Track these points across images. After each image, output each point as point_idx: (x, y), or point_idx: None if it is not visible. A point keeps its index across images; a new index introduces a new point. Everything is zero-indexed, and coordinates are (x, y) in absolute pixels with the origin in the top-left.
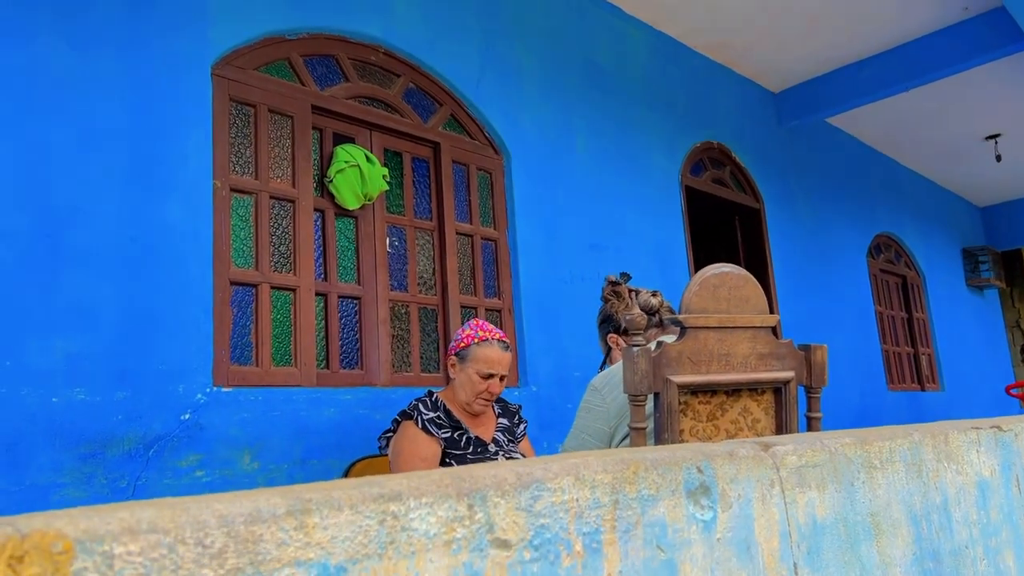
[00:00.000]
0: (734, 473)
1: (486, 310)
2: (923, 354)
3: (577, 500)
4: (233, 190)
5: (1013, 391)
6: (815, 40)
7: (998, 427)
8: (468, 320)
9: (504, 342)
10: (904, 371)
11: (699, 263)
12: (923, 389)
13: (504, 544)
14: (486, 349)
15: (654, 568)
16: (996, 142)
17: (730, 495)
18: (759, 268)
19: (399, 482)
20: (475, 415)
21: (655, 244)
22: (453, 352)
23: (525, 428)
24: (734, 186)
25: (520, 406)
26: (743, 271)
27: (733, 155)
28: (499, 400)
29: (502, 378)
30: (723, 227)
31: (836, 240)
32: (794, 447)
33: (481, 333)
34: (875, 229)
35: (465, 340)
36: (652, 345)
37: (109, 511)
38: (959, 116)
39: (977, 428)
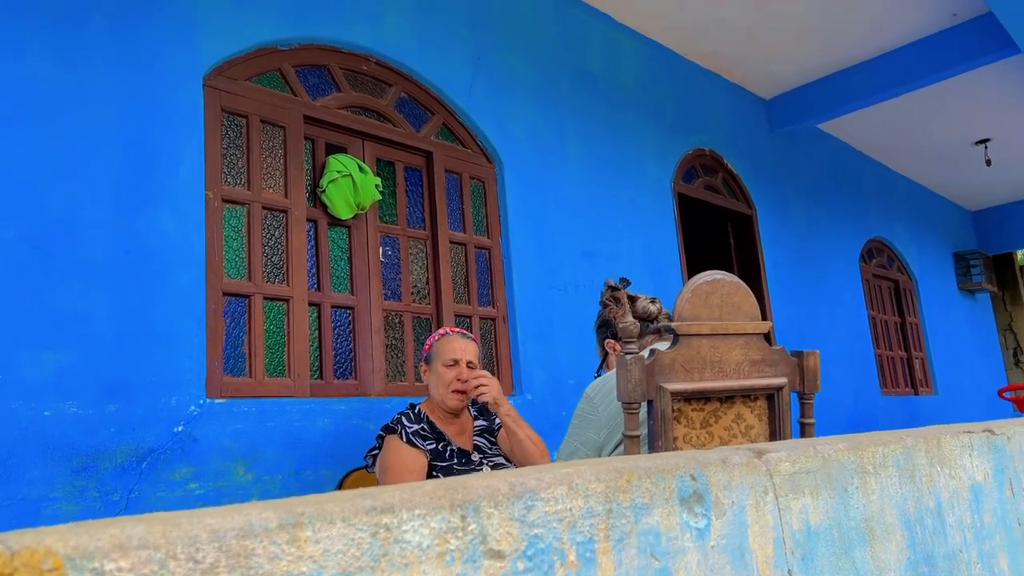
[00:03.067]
0: (727, 480)
1: (480, 318)
2: (916, 358)
3: (570, 510)
4: (225, 201)
5: (1006, 394)
6: (806, 47)
7: (991, 431)
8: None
9: (463, 333)
10: (897, 375)
11: (692, 270)
12: (916, 393)
13: (498, 555)
14: (445, 341)
15: None
16: (986, 147)
17: (724, 502)
18: (752, 274)
19: (392, 494)
20: (454, 413)
21: (648, 251)
22: (423, 360)
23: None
24: (726, 193)
25: None
26: (735, 278)
27: (725, 162)
28: (472, 402)
29: (470, 364)
30: (716, 234)
31: (829, 245)
32: (787, 453)
33: (440, 331)
34: (867, 234)
35: (428, 344)
36: (645, 353)
37: (99, 527)
38: (949, 121)
39: (969, 432)
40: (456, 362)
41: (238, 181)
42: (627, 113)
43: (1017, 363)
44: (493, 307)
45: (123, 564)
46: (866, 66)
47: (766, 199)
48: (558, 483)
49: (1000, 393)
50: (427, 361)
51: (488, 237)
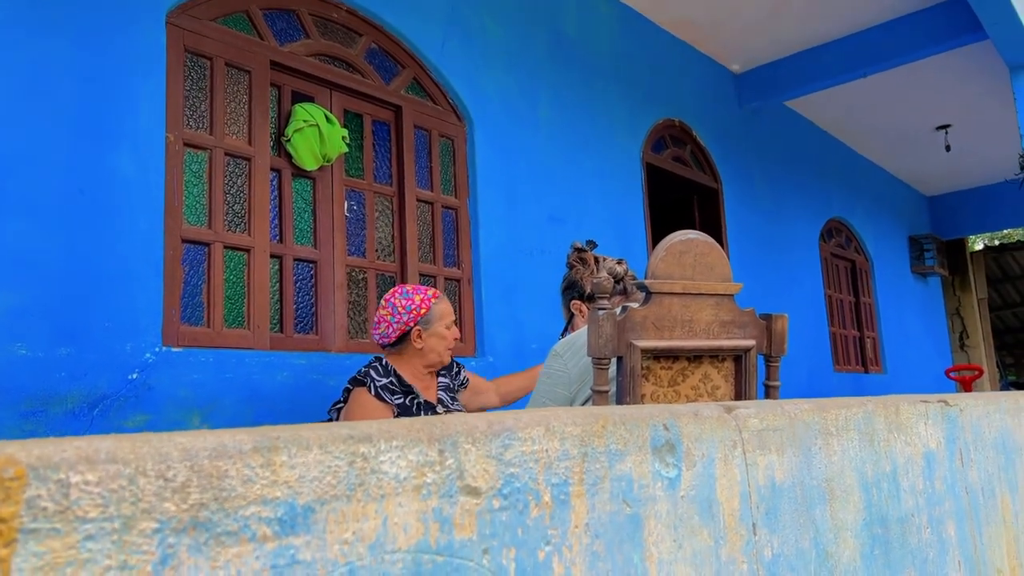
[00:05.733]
0: (699, 432)
1: (445, 279)
2: (868, 337)
3: (547, 451)
4: (187, 144)
5: (952, 374)
6: (778, 23)
7: (945, 402)
8: (394, 293)
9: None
10: (850, 353)
11: (657, 239)
12: (867, 371)
13: (474, 491)
14: (442, 304)
15: (619, 522)
16: (946, 133)
17: (694, 454)
18: None
19: (369, 425)
20: (435, 370)
21: (615, 219)
22: (414, 323)
23: (464, 372)
24: (694, 165)
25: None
26: (709, 238)
27: (694, 134)
28: None
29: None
30: (682, 205)
31: (791, 223)
32: (756, 411)
33: (429, 294)
34: (828, 214)
35: (423, 306)
36: (617, 310)
37: (65, 440)
38: (912, 105)
39: (926, 402)
40: (455, 322)
41: (200, 125)
42: (600, 80)
43: (963, 346)
44: (458, 268)
45: (90, 477)
46: (837, 45)
47: (732, 173)
48: (535, 424)
49: (947, 373)
50: (424, 324)
51: (456, 197)
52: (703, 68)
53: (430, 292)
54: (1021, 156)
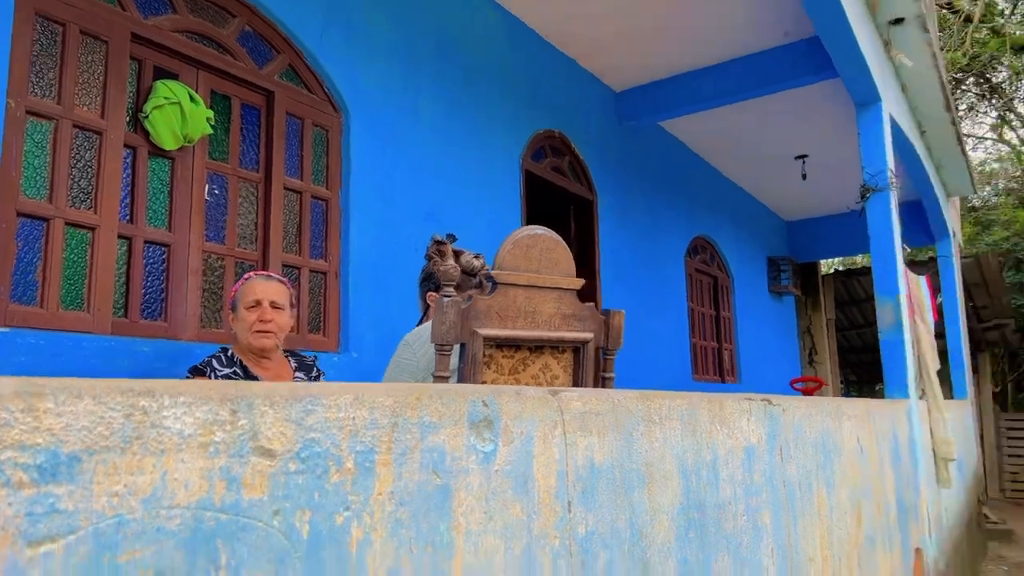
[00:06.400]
0: (519, 411)
1: (311, 271)
2: (726, 349)
3: (354, 419)
4: (30, 112)
5: (797, 385)
6: (654, 47)
7: (768, 401)
8: None
9: (268, 275)
10: (708, 364)
11: None
12: (723, 381)
13: (268, 453)
14: (248, 285)
15: (428, 492)
16: (803, 162)
17: (513, 431)
18: (588, 257)
19: (156, 382)
20: (265, 355)
21: (491, 222)
22: (230, 307)
23: (323, 378)
24: (571, 176)
25: (316, 357)
26: (555, 235)
27: (573, 146)
28: (294, 354)
29: (274, 305)
30: (559, 214)
31: (661, 238)
32: (580, 394)
33: (245, 276)
34: (695, 231)
35: (233, 290)
36: (463, 298)
37: None
38: (775, 134)
39: (750, 399)
40: (258, 303)
41: (47, 93)
42: (484, 86)
43: (812, 362)
44: (325, 260)
45: None
46: (708, 71)
47: (608, 187)
48: (345, 392)
49: (792, 384)
50: (233, 307)
51: (327, 188)
52: (585, 83)
53: (249, 273)
54: (862, 187)
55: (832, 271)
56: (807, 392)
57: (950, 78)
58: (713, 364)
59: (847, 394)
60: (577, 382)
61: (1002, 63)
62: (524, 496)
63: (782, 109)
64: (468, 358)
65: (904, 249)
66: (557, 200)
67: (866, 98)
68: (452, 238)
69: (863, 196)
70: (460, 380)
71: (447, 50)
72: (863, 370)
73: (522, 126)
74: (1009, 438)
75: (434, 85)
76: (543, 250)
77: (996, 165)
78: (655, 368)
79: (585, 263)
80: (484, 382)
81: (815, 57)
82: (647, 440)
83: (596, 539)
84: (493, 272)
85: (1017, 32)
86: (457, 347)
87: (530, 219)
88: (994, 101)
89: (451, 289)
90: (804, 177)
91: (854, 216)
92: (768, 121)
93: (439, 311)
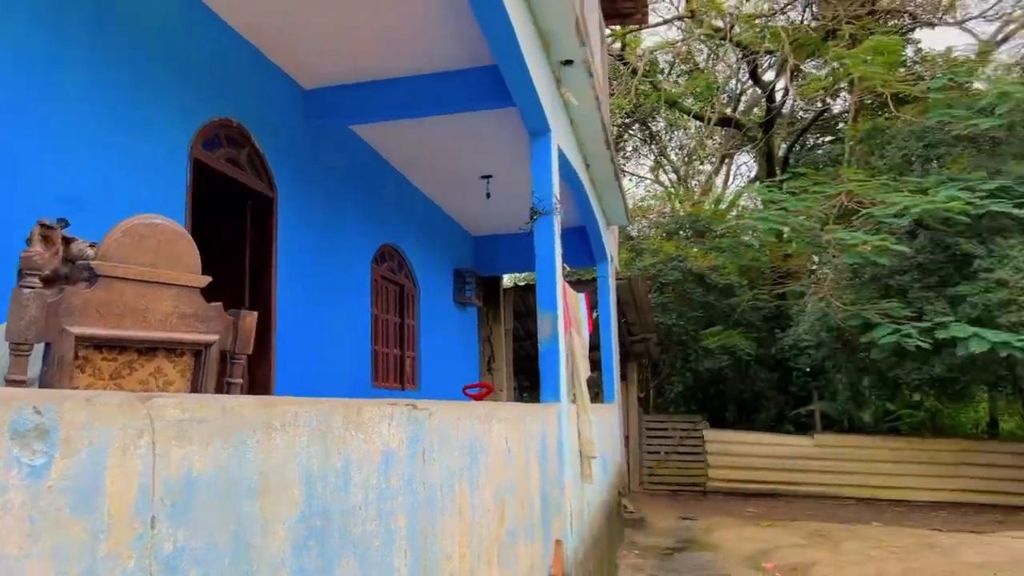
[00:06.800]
0: (88, 420)
1: None
2: (408, 356)
3: None
4: None
5: (469, 391)
6: (349, 49)
7: (413, 406)
8: None
9: None
10: (389, 371)
11: (200, 240)
12: (403, 388)
13: None
14: None
15: None
16: (488, 181)
17: (78, 442)
18: (264, 255)
19: None
20: None
21: (150, 209)
22: None
23: None
24: (250, 170)
25: None
26: (179, 227)
27: (253, 139)
28: None
29: None
30: (234, 208)
31: (346, 242)
32: (179, 401)
33: None
34: (382, 239)
35: None
36: (52, 291)
37: None
38: (462, 153)
39: (393, 405)
40: None
41: None
42: (153, 61)
43: (490, 369)
44: None
45: None
46: (398, 82)
47: (291, 185)
48: None
49: (464, 390)
50: None
51: None
52: (270, 76)
53: None
54: (531, 209)
55: (513, 285)
56: (478, 397)
57: (620, 122)
58: (395, 371)
59: (520, 398)
60: (197, 388)
61: (660, 114)
62: (88, 514)
63: (469, 129)
64: (53, 360)
65: (566, 268)
66: (233, 194)
67: (538, 128)
68: (64, 223)
69: (532, 218)
70: (43, 385)
71: (112, 20)
72: (535, 377)
73: (194, 111)
74: (649, 437)
75: (91, 54)
76: (162, 242)
77: (653, 202)
78: (335, 376)
79: (262, 262)
80: (78, 387)
81: (498, 85)
82: (264, 448)
83: (187, 556)
84: (94, 263)
85: (672, 90)
86: (41, 347)
87: (200, 212)
88: (652, 147)
89: (35, 279)
90: (488, 196)
91: (529, 235)
92: (457, 138)
93: (17, 304)
